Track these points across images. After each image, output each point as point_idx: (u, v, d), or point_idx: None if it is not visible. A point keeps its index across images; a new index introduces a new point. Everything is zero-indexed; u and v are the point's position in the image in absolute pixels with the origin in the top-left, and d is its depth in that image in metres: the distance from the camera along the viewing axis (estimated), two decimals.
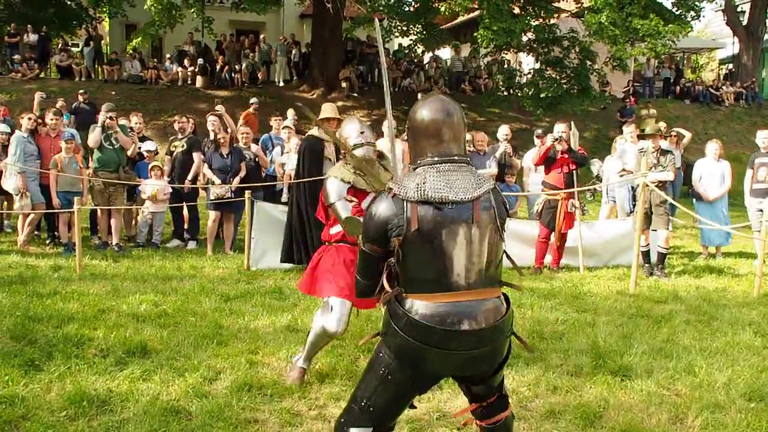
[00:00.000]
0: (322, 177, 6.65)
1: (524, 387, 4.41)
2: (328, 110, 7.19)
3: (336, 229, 4.30)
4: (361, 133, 4.21)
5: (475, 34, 17.07)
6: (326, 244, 4.41)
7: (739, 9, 27.03)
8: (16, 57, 19.77)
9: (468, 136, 9.30)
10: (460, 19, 17.54)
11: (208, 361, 4.68)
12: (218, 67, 20.66)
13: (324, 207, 4.35)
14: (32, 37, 20.46)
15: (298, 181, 7.43)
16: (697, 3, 18.12)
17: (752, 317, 6.28)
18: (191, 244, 9.21)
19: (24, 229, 8.61)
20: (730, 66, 28.83)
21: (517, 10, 17.74)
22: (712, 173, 9.46)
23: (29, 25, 20.47)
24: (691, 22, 18.33)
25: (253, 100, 14.72)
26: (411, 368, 2.63)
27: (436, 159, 2.64)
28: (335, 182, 4.18)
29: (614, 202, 10.16)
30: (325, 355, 4.84)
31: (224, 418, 3.77)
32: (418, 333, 2.55)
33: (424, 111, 2.70)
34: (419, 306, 2.58)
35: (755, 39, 25.90)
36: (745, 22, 26.18)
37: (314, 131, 7.58)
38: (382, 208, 2.62)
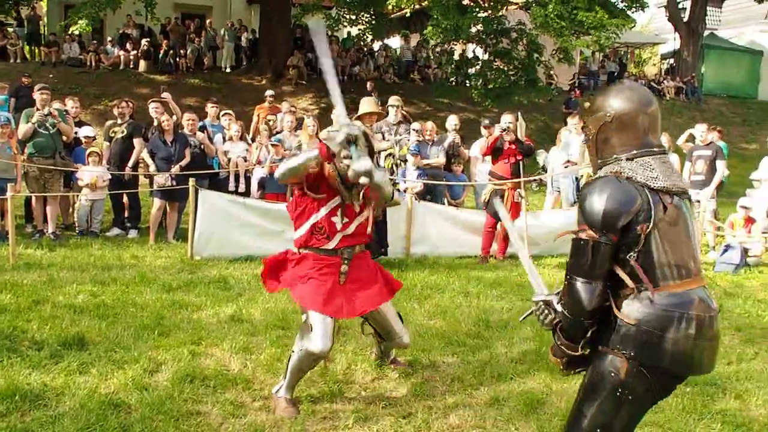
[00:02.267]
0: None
1: (469, 374, 4.44)
2: (366, 105, 7.05)
3: (300, 233, 3.89)
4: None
5: (424, 32, 17.07)
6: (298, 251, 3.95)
7: (680, 5, 27.80)
8: None
9: (417, 125, 9.34)
10: (408, 9, 17.51)
11: (148, 352, 4.55)
12: (162, 51, 20.10)
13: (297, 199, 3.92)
14: None
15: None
16: None
17: None
18: (132, 233, 8.96)
19: None
20: (671, 61, 29.67)
21: (466, 1, 17.80)
22: None
23: None
24: (635, 13, 18.78)
25: (268, 92, 14.17)
26: (657, 378, 2.46)
27: (655, 149, 2.55)
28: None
29: (559, 192, 10.34)
30: (270, 345, 4.78)
31: (165, 410, 3.68)
32: (681, 327, 2.42)
33: (633, 100, 2.56)
34: (670, 298, 2.44)
35: (695, 35, 26.67)
36: (686, 19, 26.95)
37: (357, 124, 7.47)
38: (624, 192, 2.44)
